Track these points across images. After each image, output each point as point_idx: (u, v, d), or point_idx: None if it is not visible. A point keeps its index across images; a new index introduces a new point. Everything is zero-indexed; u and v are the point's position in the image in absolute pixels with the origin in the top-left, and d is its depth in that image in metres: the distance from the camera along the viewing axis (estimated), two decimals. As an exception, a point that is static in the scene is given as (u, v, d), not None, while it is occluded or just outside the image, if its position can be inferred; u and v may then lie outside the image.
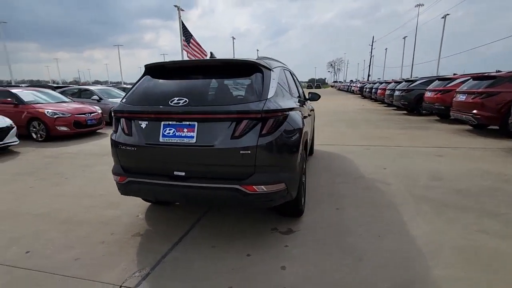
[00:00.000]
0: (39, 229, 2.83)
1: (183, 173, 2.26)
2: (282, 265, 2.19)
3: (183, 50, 19.45)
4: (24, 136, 7.40)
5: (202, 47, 18.77)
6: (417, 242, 2.44)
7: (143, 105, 2.32)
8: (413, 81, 12.65)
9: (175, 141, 2.21)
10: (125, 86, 21.39)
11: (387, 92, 14.75)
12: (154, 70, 2.57)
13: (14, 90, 8.11)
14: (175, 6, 19.96)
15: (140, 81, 2.58)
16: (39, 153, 6.26)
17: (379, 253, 2.30)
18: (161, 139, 2.24)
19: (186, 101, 2.21)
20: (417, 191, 3.57)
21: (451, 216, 2.90)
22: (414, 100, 11.74)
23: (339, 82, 79.52)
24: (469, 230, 2.61)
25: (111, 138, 2.50)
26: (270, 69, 2.51)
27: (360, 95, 27.82)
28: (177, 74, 2.50)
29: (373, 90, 19.45)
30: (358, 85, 30.88)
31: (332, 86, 78.60)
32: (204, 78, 2.43)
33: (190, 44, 19.22)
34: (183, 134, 2.20)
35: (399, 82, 14.09)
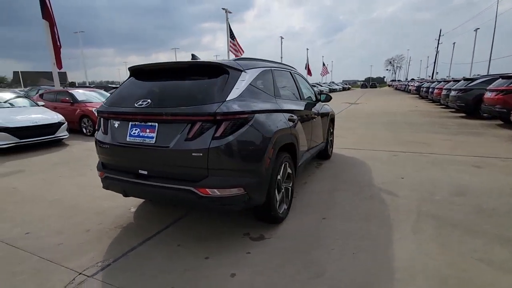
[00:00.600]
0: (46, 213, 3.21)
1: (146, 172, 2.34)
2: (233, 272, 2.12)
3: (229, 51, 20.29)
4: (77, 131, 8.46)
5: (242, 47, 19.69)
6: (394, 265, 2.14)
7: (117, 106, 2.46)
8: (472, 80, 11.05)
9: (139, 141, 2.30)
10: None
11: (443, 92, 13.15)
12: (135, 72, 2.71)
13: (71, 91, 9.32)
14: (223, 9, 20.74)
15: (125, 83, 2.75)
16: (82, 146, 7.09)
17: (342, 272, 2.08)
18: (128, 139, 2.36)
19: (149, 102, 2.28)
20: (428, 206, 3.13)
21: (453, 239, 2.47)
22: (473, 102, 10.25)
23: (398, 81, 73.42)
24: (466, 257, 2.20)
25: (95, 136, 2.71)
26: (240, 70, 2.45)
27: (417, 95, 25.38)
28: (151, 76, 2.59)
29: (430, 90, 17.54)
30: (415, 85, 28.17)
31: (389, 86, 73.04)
32: (171, 80, 2.48)
33: (234, 44, 20.03)
34: (146, 135, 2.29)
35: (458, 81, 12.43)
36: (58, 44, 10.37)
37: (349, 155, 5.52)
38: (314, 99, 4.51)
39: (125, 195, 2.54)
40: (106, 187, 2.67)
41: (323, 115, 4.62)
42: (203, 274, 2.12)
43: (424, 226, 2.70)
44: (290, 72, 3.77)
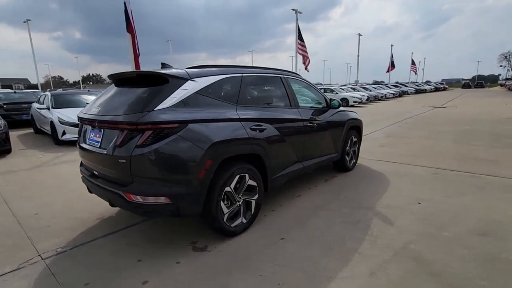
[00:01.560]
0: (60, 199, 3.83)
1: (96, 173, 2.58)
2: (146, 280, 2.15)
3: (297, 52, 20.09)
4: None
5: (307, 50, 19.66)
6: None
7: (85, 112, 2.77)
8: None
9: (92, 144, 2.55)
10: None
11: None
12: (112, 80, 2.99)
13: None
14: (293, 9, 20.59)
15: (106, 90, 3.07)
16: None
17: (245, 303, 1.87)
18: (86, 141, 2.64)
19: (99, 109, 2.50)
20: (422, 244, 2.49)
21: (417, 291, 1.92)
22: None
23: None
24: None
25: None
26: (184, 79, 2.44)
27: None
28: (116, 84, 2.81)
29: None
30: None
31: (501, 85, 59.14)
32: (122, 88, 2.64)
33: (303, 46, 19.83)
34: (95, 139, 2.52)
35: None
36: (137, 52, 11.92)
37: (378, 168, 4.80)
38: (324, 105, 4.11)
39: (89, 191, 2.84)
40: (83, 181, 3.04)
41: (335, 123, 4.16)
42: (122, 275, 2.22)
43: (391, 269, 2.17)
44: (280, 78, 3.51)
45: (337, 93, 20.91)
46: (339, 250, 2.45)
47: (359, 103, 20.71)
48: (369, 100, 23.07)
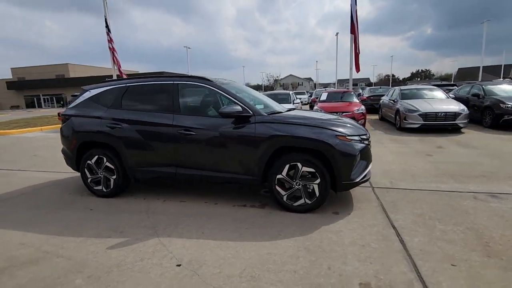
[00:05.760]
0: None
1: None
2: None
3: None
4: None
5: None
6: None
7: None
8: None
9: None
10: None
11: None
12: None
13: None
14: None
15: None
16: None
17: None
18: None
19: None
20: None
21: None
22: None
23: None
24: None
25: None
26: (86, 90, 4.13)
27: None
28: None
29: None
30: None
31: None
32: None
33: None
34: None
35: None
36: (358, 51, 11.13)
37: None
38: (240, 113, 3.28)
39: None
40: None
41: (240, 137, 3.30)
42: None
43: None
44: (172, 84, 3.64)
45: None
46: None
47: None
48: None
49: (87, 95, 4.03)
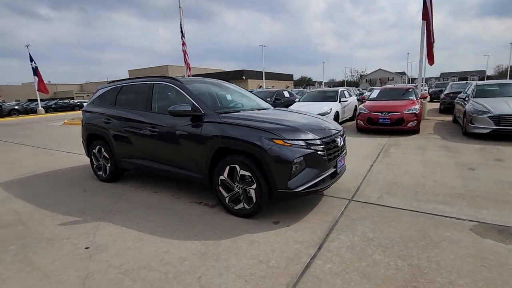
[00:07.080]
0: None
1: None
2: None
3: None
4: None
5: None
6: None
7: None
8: None
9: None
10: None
11: None
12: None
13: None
14: None
15: None
16: None
17: None
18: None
19: None
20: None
21: None
22: None
23: None
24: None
25: None
26: (98, 89, 4.87)
27: None
28: None
29: None
30: None
31: None
32: None
33: None
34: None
35: None
36: (432, 39, 10.50)
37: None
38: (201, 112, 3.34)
39: None
40: None
41: (189, 136, 3.35)
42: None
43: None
44: (153, 85, 4.00)
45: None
46: None
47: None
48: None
49: (98, 93, 4.80)
